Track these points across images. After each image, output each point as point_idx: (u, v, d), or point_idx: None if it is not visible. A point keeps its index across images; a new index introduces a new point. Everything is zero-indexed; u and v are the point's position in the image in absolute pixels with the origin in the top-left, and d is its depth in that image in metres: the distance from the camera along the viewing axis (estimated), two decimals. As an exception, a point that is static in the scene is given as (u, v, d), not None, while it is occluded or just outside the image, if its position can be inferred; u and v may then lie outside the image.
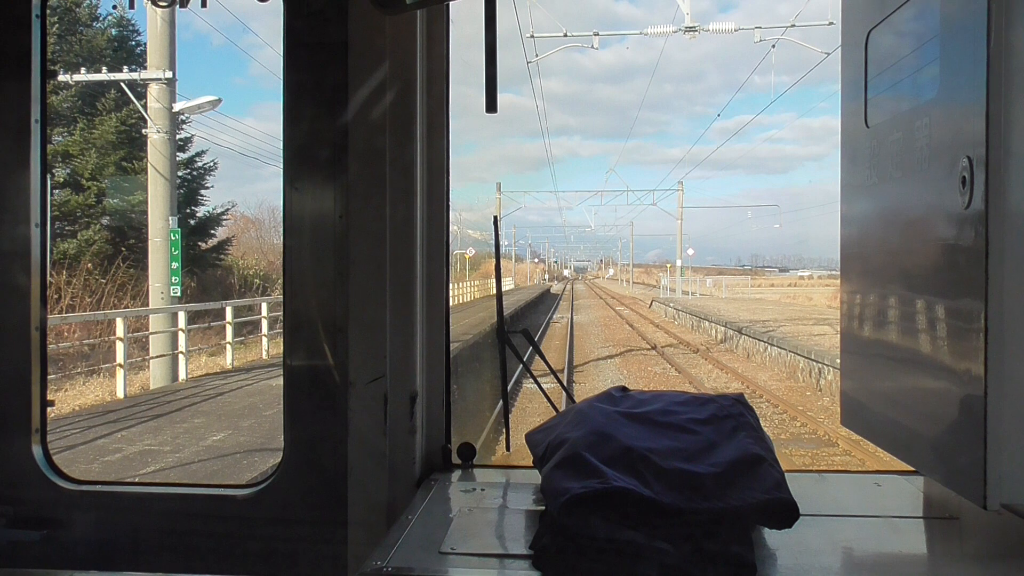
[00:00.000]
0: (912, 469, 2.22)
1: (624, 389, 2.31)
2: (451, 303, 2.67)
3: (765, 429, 2.08)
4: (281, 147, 2.36)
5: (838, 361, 2.62)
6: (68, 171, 33.23)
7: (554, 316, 56.33)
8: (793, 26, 27.90)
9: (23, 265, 2.42)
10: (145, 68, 22.45)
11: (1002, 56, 1.57)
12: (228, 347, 22.83)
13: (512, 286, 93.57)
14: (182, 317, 20.70)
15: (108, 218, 33.92)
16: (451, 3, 2.38)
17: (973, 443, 1.60)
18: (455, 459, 2.52)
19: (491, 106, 2.21)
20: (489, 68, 2.18)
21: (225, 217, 40.58)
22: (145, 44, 27.60)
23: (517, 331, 2.66)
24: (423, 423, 2.47)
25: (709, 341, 36.04)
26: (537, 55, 31.79)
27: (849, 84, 2.33)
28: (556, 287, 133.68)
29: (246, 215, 54.77)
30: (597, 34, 29.49)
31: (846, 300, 2.41)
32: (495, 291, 2.87)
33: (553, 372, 2.99)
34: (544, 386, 3.00)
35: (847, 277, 2.40)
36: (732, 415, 2.06)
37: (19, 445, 2.41)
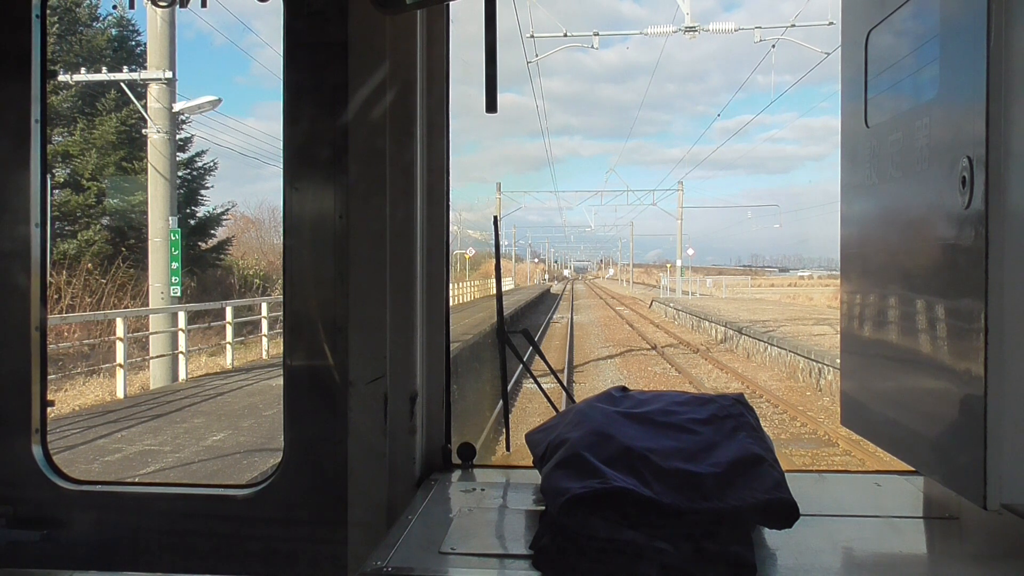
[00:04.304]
0: (912, 469, 2.22)
1: (624, 389, 2.31)
2: (451, 303, 2.67)
3: (765, 429, 2.08)
4: (281, 147, 2.36)
5: (838, 361, 2.62)
6: (68, 171, 33.21)
7: (554, 316, 56.28)
8: (793, 26, 27.89)
9: (23, 265, 2.42)
10: (145, 68, 22.42)
11: (1002, 56, 1.57)
12: (228, 347, 22.83)
13: (512, 286, 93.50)
14: (182, 317, 20.69)
15: (108, 218, 33.90)
16: (451, 3, 2.38)
17: (973, 443, 1.60)
18: (455, 459, 2.52)
19: (491, 106, 2.21)
20: (489, 68, 2.18)
21: (225, 217, 40.62)
22: (145, 44, 27.58)
23: (517, 331, 2.66)
24: (423, 423, 2.47)
25: (709, 341, 36.02)
26: (537, 55, 31.79)
27: (849, 84, 2.32)
28: (556, 287, 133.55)
29: (246, 215, 54.76)
30: (597, 34, 29.45)
31: (846, 300, 2.41)
32: (495, 291, 2.87)
33: (553, 372, 2.99)
34: (544, 386, 3.00)
35: (847, 277, 2.40)
36: (732, 415, 2.06)
37: (19, 445, 2.41)
